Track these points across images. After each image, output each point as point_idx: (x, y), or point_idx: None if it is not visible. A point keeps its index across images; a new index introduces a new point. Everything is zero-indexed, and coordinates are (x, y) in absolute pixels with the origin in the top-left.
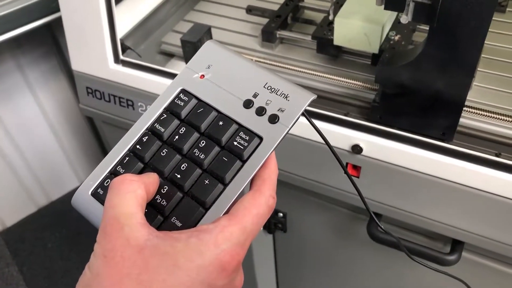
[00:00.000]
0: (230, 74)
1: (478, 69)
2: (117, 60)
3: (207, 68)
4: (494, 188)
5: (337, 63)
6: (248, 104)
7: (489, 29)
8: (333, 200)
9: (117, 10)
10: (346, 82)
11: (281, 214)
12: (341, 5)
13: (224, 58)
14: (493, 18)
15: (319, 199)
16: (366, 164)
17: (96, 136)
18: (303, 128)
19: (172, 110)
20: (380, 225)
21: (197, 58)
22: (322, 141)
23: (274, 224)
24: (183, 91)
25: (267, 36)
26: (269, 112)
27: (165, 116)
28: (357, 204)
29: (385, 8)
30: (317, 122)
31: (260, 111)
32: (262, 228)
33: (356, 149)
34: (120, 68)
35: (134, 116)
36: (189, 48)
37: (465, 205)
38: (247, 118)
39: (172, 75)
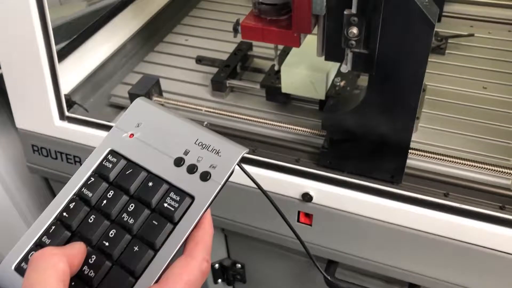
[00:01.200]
0: (160, 132)
1: (423, 110)
2: (62, 116)
3: (137, 126)
4: (443, 230)
5: (287, 109)
6: (179, 162)
7: (431, 71)
8: (290, 248)
9: (63, 64)
10: (296, 129)
11: (239, 265)
12: (287, 54)
13: (153, 115)
14: (434, 60)
15: (276, 248)
16: (318, 212)
17: (53, 194)
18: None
19: (100, 173)
20: (325, 275)
21: (126, 116)
22: (274, 190)
23: (232, 276)
24: (112, 152)
25: (217, 86)
26: (201, 169)
27: (93, 179)
28: (313, 252)
29: (326, 59)
30: (267, 172)
31: (192, 169)
32: (221, 280)
33: (306, 197)
34: (65, 124)
35: None
36: None
37: (416, 249)
38: (178, 177)
39: None
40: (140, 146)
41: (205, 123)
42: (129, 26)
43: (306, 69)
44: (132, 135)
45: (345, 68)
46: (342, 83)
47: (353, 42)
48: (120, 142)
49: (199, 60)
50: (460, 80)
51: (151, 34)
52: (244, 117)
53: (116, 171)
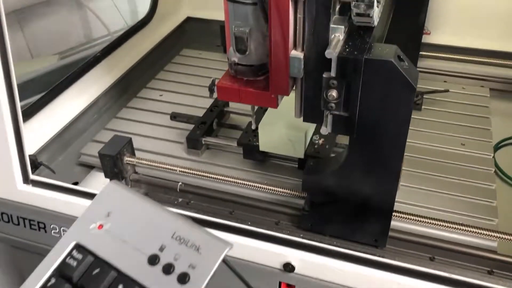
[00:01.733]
0: (133, 223)
1: (402, 168)
2: (26, 180)
3: (107, 216)
4: None
5: (264, 167)
6: (153, 260)
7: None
8: None
9: (31, 122)
10: (275, 190)
11: None
12: (265, 111)
13: (126, 202)
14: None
15: None
16: (300, 283)
17: (16, 261)
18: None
19: (62, 273)
20: None
21: (95, 204)
22: (254, 259)
23: None
24: (77, 246)
25: (193, 143)
26: (178, 269)
27: (54, 281)
28: None
29: (304, 120)
30: (245, 240)
31: (168, 269)
32: None
33: (288, 267)
34: (29, 188)
35: (47, 240)
36: (108, 162)
37: None
38: (153, 279)
39: (87, 194)
40: (110, 239)
41: (180, 183)
42: (102, 81)
43: (284, 127)
44: (101, 226)
45: (325, 130)
46: (321, 141)
47: (333, 105)
48: (88, 234)
49: (174, 116)
50: (438, 137)
51: (125, 89)
52: (220, 177)
53: (81, 270)
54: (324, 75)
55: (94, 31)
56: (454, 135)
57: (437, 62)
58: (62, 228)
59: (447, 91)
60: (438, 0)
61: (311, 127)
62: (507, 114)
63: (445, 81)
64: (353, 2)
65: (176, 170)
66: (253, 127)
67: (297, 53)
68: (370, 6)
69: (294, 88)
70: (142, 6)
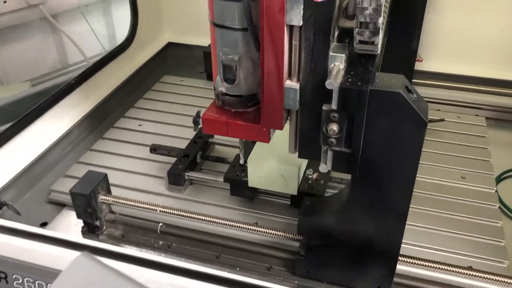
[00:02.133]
0: None
1: None
2: None
3: None
4: None
5: (254, 205)
6: None
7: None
8: None
9: None
10: (266, 232)
11: None
12: (254, 143)
13: (97, 277)
14: None
15: None
16: None
17: None
18: None
19: None
20: None
21: (62, 279)
22: None
23: None
24: None
25: (175, 179)
26: None
27: None
28: None
29: (300, 157)
30: None
31: None
32: None
33: None
34: None
35: None
36: (81, 202)
37: None
38: None
39: (54, 240)
40: None
41: (160, 224)
42: (77, 110)
43: (276, 161)
44: None
45: (324, 168)
46: (315, 176)
47: (333, 140)
48: None
49: (154, 149)
50: (438, 169)
51: (101, 119)
52: (205, 217)
53: None
54: (324, 108)
55: (69, 57)
56: (453, 168)
57: (430, 90)
58: (26, 279)
59: (443, 120)
60: (431, 27)
61: (304, 160)
62: (506, 144)
63: (438, 110)
64: (357, 29)
65: (156, 210)
66: (241, 161)
67: (292, 84)
68: (375, 33)
69: (288, 120)
70: (121, 31)
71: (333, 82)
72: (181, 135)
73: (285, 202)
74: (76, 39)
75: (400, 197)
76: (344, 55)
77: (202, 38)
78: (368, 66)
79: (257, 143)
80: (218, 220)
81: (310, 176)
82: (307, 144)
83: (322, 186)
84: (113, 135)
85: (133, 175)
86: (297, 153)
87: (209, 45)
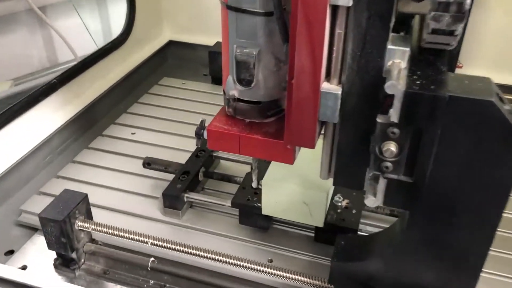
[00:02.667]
0: None
1: None
2: None
3: None
4: None
5: (268, 236)
6: None
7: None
8: None
9: None
10: (284, 276)
11: None
12: (269, 162)
13: None
14: None
15: None
16: None
17: None
18: None
19: None
20: None
21: None
22: None
23: None
24: None
25: (171, 201)
26: None
27: None
28: None
29: (335, 184)
30: None
31: None
32: None
33: None
34: None
35: None
36: (52, 230)
37: None
38: None
39: (16, 285)
40: None
41: (152, 259)
42: (58, 114)
43: (298, 184)
44: None
45: (373, 202)
46: (344, 203)
47: (389, 165)
48: None
49: (148, 163)
50: None
51: (87, 125)
52: (207, 254)
53: None
54: (379, 120)
55: (59, 55)
56: None
57: None
58: None
59: None
60: (473, 31)
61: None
62: None
63: None
64: (432, 13)
65: (147, 243)
66: (254, 185)
67: (331, 87)
68: (458, 19)
69: (320, 136)
70: (118, 27)
71: (396, 85)
72: (181, 147)
73: (308, 234)
74: (66, 35)
75: (478, 242)
76: (408, 49)
77: (207, 36)
78: (439, 65)
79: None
80: (223, 258)
81: (339, 204)
82: (347, 169)
83: (355, 216)
84: (101, 145)
85: (122, 195)
86: (330, 180)
87: (215, 44)
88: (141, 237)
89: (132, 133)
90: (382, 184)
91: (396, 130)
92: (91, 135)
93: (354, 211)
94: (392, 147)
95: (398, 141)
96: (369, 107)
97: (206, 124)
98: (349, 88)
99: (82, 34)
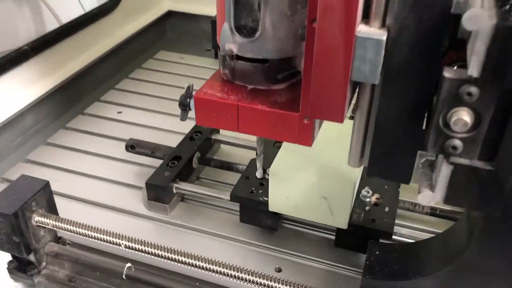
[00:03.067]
0: None
1: None
2: None
3: None
4: None
5: (276, 238)
6: None
7: None
8: None
9: None
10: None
11: None
12: (279, 147)
13: None
14: None
15: None
16: None
17: None
18: None
19: None
20: None
21: None
22: None
23: None
24: None
25: (157, 193)
26: None
27: None
28: None
29: (370, 174)
30: None
31: None
32: None
33: None
34: None
35: None
36: (2, 226)
37: None
38: None
39: None
40: None
41: (128, 265)
42: (31, 89)
43: (315, 173)
44: None
45: (430, 197)
46: (374, 198)
47: (458, 144)
48: None
49: (132, 146)
50: None
51: (66, 102)
52: (197, 262)
53: None
54: (447, 75)
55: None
56: None
57: None
58: None
59: None
60: None
61: (359, 174)
62: None
63: None
64: None
65: (120, 245)
66: (259, 173)
67: (372, 31)
68: None
69: (351, 108)
70: None
71: (482, 15)
72: (176, 129)
73: (327, 237)
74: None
75: None
76: None
77: (212, 6)
78: None
79: (284, 144)
80: (217, 268)
81: (368, 200)
82: (390, 153)
83: (388, 216)
84: (80, 125)
85: (99, 183)
86: (359, 168)
87: None
88: (112, 237)
89: (119, 112)
90: (445, 172)
91: (474, 90)
92: (70, 113)
93: (387, 209)
94: (465, 116)
95: (475, 108)
96: (427, 61)
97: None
98: (398, 32)
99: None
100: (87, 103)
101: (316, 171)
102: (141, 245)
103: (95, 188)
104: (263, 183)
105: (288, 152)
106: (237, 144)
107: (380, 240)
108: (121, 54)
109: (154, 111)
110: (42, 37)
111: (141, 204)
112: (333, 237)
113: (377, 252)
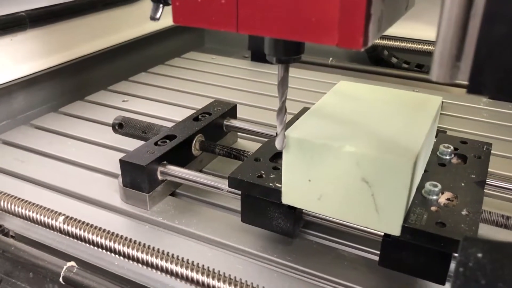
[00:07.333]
0: None
1: None
2: None
3: None
4: None
5: (294, 248)
6: None
7: None
8: None
9: None
10: None
11: None
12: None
13: None
14: None
15: None
16: None
17: None
18: None
19: None
20: None
21: None
22: None
23: None
24: None
25: (134, 177)
26: None
27: None
28: None
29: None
30: None
31: None
32: None
33: None
34: None
35: None
36: None
37: None
38: None
39: None
40: None
41: (69, 263)
42: (25, 65)
43: (353, 146)
44: None
45: None
46: (444, 199)
47: None
48: None
49: (119, 125)
50: None
51: (66, 86)
52: (193, 275)
53: None
54: None
55: None
56: None
57: None
58: None
59: None
60: None
61: (424, 152)
62: None
63: None
64: None
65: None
66: (279, 143)
67: None
68: None
69: None
70: None
71: None
72: (183, 114)
73: (366, 250)
74: None
75: None
76: None
77: None
78: None
79: (313, 107)
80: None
81: (434, 197)
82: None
83: (468, 222)
84: (75, 110)
85: (75, 169)
86: (412, 134)
87: None
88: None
89: (124, 101)
90: None
91: None
92: (66, 98)
93: (464, 212)
94: None
95: None
96: None
97: None
98: None
99: None
100: (92, 91)
101: (355, 142)
102: (85, 229)
103: (68, 174)
104: (279, 166)
105: (315, 115)
106: (259, 133)
107: (455, 255)
108: (142, 46)
109: (164, 102)
110: (48, 6)
111: (116, 195)
112: (377, 251)
113: (464, 271)
